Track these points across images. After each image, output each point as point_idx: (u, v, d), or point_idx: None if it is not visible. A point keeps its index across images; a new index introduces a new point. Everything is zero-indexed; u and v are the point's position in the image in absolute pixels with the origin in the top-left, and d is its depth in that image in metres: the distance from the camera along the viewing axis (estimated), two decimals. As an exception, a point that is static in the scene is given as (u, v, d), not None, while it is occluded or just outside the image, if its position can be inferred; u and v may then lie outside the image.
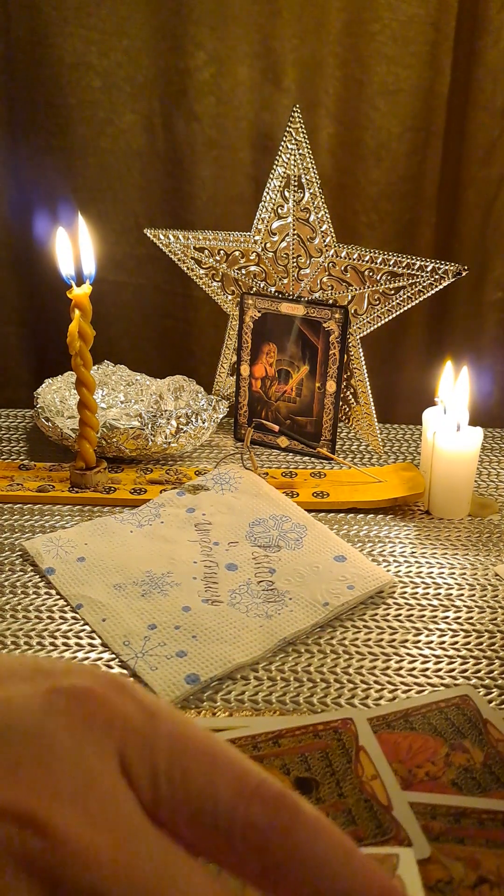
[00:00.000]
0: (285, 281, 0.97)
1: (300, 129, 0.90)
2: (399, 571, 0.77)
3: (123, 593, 0.72)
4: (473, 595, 0.74)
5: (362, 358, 0.96)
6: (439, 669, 0.65)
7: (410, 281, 0.89)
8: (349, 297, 0.94)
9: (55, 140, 1.10)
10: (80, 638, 0.68)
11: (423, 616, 0.71)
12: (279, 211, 0.94)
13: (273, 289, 0.98)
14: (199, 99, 1.07)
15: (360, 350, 0.95)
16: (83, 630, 0.69)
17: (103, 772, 0.25)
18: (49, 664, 0.28)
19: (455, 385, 0.86)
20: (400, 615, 0.71)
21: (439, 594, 0.74)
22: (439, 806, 0.51)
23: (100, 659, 0.65)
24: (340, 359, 0.94)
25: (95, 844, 0.24)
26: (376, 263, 0.91)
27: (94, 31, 1.04)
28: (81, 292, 0.83)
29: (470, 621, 0.71)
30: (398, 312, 0.91)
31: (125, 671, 0.64)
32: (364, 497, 0.88)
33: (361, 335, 0.95)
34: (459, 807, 0.51)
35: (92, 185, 1.12)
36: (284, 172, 0.92)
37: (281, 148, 0.91)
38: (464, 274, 0.86)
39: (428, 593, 0.74)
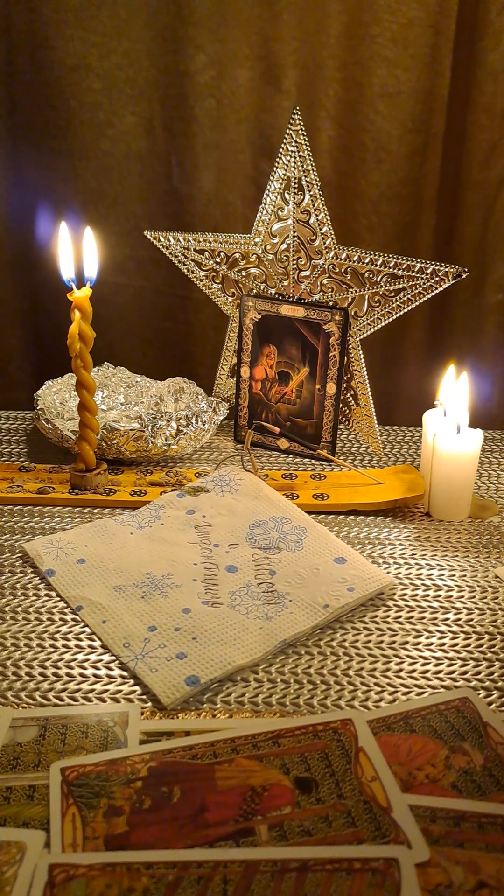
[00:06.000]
0: (285, 283, 0.97)
1: (300, 132, 0.90)
2: (399, 573, 0.77)
3: (123, 595, 0.72)
4: (473, 597, 0.74)
5: (362, 360, 0.96)
6: (439, 672, 0.65)
7: (410, 283, 0.89)
8: (349, 299, 0.94)
9: (55, 142, 1.10)
10: (81, 640, 0.68)
11: (423, 618, 0.71)
12: (279, 213, 0.94)
13: (273, 290, 0.98)
14: (200, 101, 1.07)
15: (361, 352, 0.95)
16: (83, 632, 0.68)
17: None
18: None
19: (455, 387, 0.86)
20: (400, 617, 0.71)
21: (439, 596, 0.74)
22: (439, 809, 0.51)
23: (100, 661, 0.65)
24: (340, 361, 0.94)
25: None
26: (376, 265, 0.91)
27: (94, 33, 1.04)
28: (82, 294, 0.83)
29: (470, 623, 0.71)
30: (398, 314, 0.91)
31: (125, 673, 0.64)
32: (364, 499, 0.88)
33: (361, 337, 0.95)
34: (459, 810, 0.51)
35: (92, 188, 1.12)
36: (284, 174, 0.92)
37: (281, 150, 0.91)
38: (464, 276, 0.86)
39: (428, 595, 0.74)
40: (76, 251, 0.85)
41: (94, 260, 0.85)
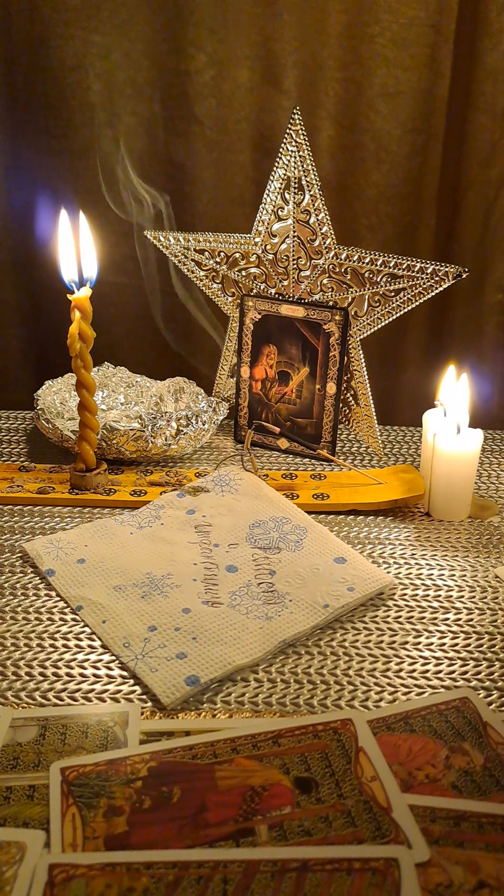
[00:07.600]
0: (285, 283, 0.97)
1: (300, 132, 0.90)
2: (399, 573, 0.77)
3: (123, 595, 0.72)
4: (473, 597, 0.74)
5: (362, 360, 0.96)
6: (439, 671, 0.65)
7: (410, 283, 0.89)
8: (349, 299, 0.94)
9: (55, 142, 1.10)
10: (81, 640, 0.68)
11: (423, 618, 0.71)
12: (279, 213, 0.94)
13: (273, 290, 0.98)
14: (200, 101, 1.07)
15: (361, 352, 0.95)
16: (83, 632, 0.69)
17: None
18: None
19: (455, 387, 0.86)
20: (400, 617, 0.71)
21: (439, 596, 0.74)
22: (439, 809, 0.51)
23: (100, 661, 0.65)
24: (340, 361, 0.94)
25: None
26: (376, 265, 0.91)
27: (94, 33, 1.04)
28: (82, 295, 0.83)
29: (470, 623, 0.71)
30: (398, 314, 0.91)
31: (125, 673, 0.64)
32: (364, 499, 0.88)
33: (361, 337, 0.95)
34: (459, 810, 0.51)
35: (92, 188, 1.12)
36: (285, 174, 0.92)
37: (281, 150, 0.91)
38: (464, 276, 0.86)
39: (428, 595, 0.74)
40: (76, 249, 0.85)
41: (93, 259, 0.85)
